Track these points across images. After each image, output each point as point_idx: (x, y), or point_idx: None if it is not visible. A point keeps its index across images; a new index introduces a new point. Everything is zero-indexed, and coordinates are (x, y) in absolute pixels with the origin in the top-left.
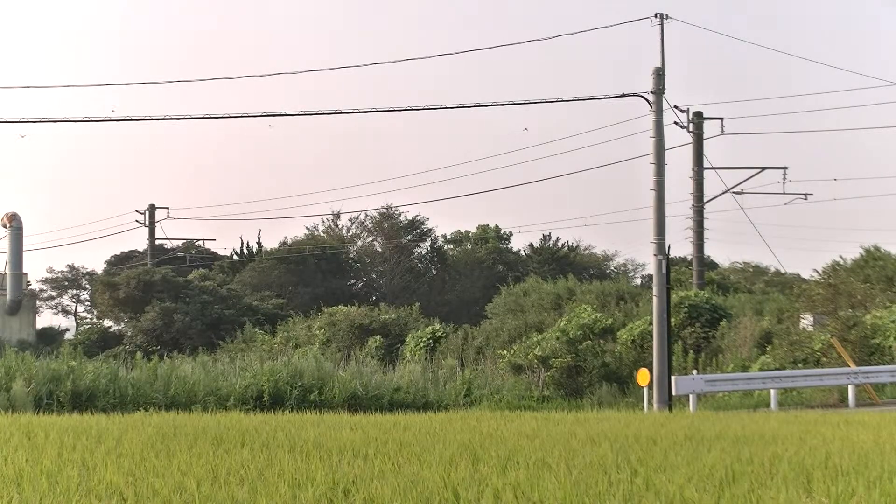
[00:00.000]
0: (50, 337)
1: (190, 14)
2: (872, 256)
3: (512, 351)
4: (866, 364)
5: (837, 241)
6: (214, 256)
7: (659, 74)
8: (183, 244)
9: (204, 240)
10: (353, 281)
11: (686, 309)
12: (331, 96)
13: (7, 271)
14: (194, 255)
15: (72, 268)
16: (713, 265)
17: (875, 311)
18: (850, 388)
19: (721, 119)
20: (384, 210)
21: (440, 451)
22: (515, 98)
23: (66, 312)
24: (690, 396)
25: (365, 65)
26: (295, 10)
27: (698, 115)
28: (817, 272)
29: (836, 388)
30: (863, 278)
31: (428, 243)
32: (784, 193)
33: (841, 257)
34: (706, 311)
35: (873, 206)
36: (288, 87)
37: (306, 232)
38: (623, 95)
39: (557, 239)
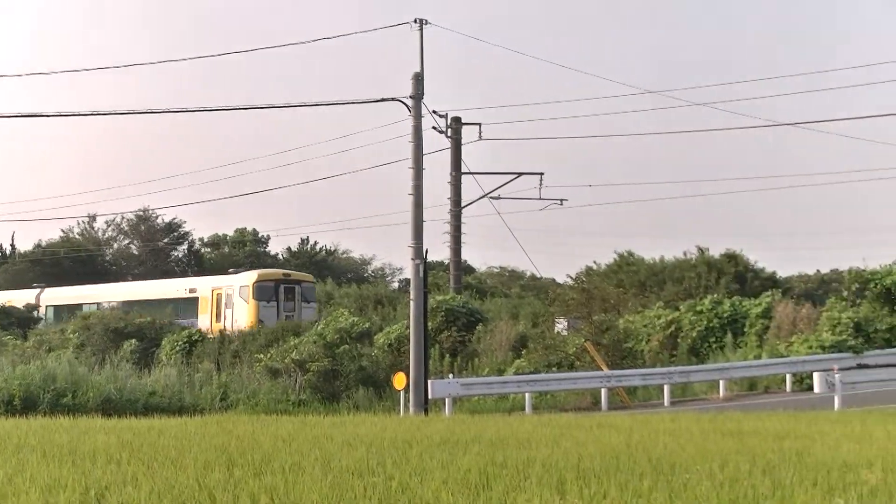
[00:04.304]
0: None
1: None
2: (626, 261)
3: (269, 355)
4: (619, 367)
5: (592, 246)
6: None
7: (418, 79)
8: None
9: None
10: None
11: (443, 313)
12: (92, 97)
13: None
14: None
15: None
16: (470, 269)
17: (628, 316)
18: (603, 392)
19: (479, 124)
20: (141, 213)
21: (195, 455)
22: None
23: None
24: (447, 400)
25: (126, 65)
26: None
27: (457, 120)
28: (571, 277)
29: (589, 392)
30: (616, 283)
31: (185, 246)
32: (540, 199)
33: (595, 262)
34: (463, 314)
35: (627, 212)
36: (47, 86)
37: (62, 234)
38: (382, 100)
39: (315, 243)
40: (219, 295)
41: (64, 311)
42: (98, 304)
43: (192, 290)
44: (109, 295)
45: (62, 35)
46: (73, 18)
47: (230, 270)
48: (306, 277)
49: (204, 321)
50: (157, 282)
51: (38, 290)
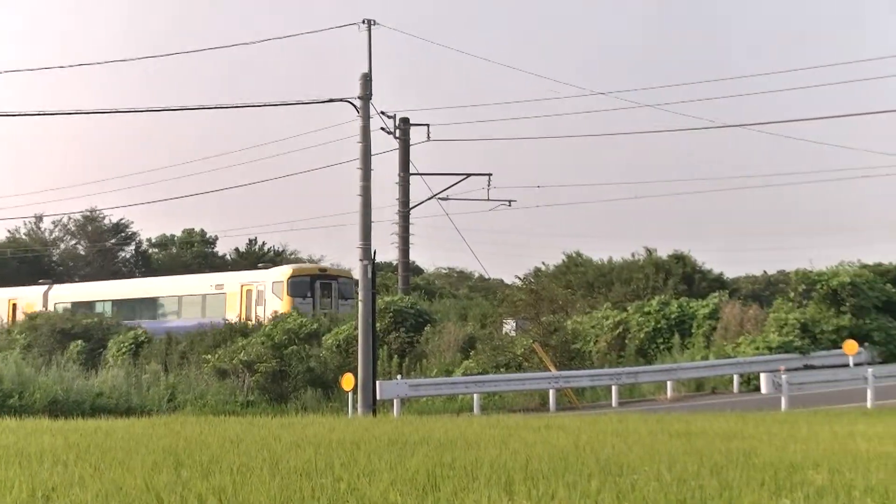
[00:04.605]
0: None
1: None
2: (574, 262)
3: (217, 355)
4: (567, 368)
5: (540, 247)
6: None
7: (366, 80)
8: None
9: None
10: None
11: (391, 314)
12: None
13: None
14: None
15: None
16: (419, 270)
17: (576, 317)
18: (551, 393)
19: (427, 125)
20: (88, 213)
21: (143, 457)
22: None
23: None
24: (395, 401)
25: (70, 66)
26: None
27: (405, 121)
28: (519, 278)
29: (537, 392)
30: (564, 284)
31: (132, 247)
32: (489, 200)
33: (543, 263)
34: (411, 315)
35: (576, 213)
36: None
37: (7, 234)
38: (331, 101)
39: (264, 243)
40: (248, 291)
41: (74, 311)
42: (113, 301)
43: (218, 287)
44: (124, 292)
45: None
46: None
47: (259, 265)
48: (344, 273)
49: (234, 318)
50: (179, 277)
51: (44, 287)
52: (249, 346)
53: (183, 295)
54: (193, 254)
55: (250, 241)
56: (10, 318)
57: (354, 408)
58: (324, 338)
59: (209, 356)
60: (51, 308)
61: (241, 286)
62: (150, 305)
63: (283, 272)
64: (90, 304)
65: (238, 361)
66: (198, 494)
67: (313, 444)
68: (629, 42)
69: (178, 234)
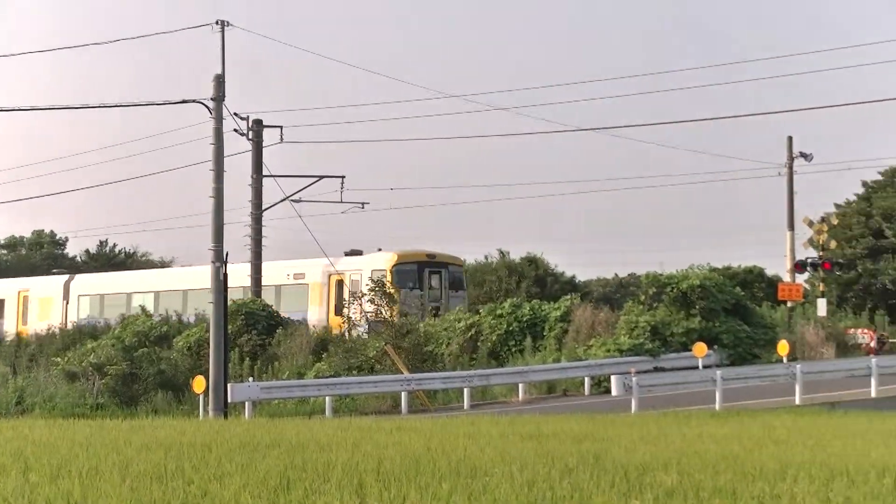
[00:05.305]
0: None
1: None
2: None
3: (66, 358)
4: (419, 371)
5: (394, 250)
6: None
7: (219, 81)
8: None
9: None
10: None
11: (243, 316)
12: None
13: None
14: None
15: None
16: None
17: (428, 320)
18: (404, 395)
19: (281, 127)
20: None
21: None
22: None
23: None
24: (247, 403)
25: None
26: None
27: (258, 122)
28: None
29: (390, 395)
30: None
31: None
32: (342, 202)
33: None
34: (263, 318)
35: (430, 215)
36: None
37: None
38: (183, 102)
39: (115, 245)
40: (339, 281)
41: (103, 304)
42: (155, 293)
43: (297, 276)
44: (169, 282)
45: None
46: None
47: (347, 251)
48: (454, 259)
49: (316, 314)
50: (246, 265)
51: (65, 278)
52: (99, 348)
53: (249, 286)
54: (43, 255)
55: (101, 242)
56: (21, 314)
57: (206, 410)
58: (175, 340)
59: (59, 358)
60: (73, 301)
61: (329, 276)
62: (202, 298)
63: (386, 258)
64: (118, 298)
65: (88, 364)
66: (46, 498)
67: (164, 446)
68: (484, 46)
69: (28, 235)
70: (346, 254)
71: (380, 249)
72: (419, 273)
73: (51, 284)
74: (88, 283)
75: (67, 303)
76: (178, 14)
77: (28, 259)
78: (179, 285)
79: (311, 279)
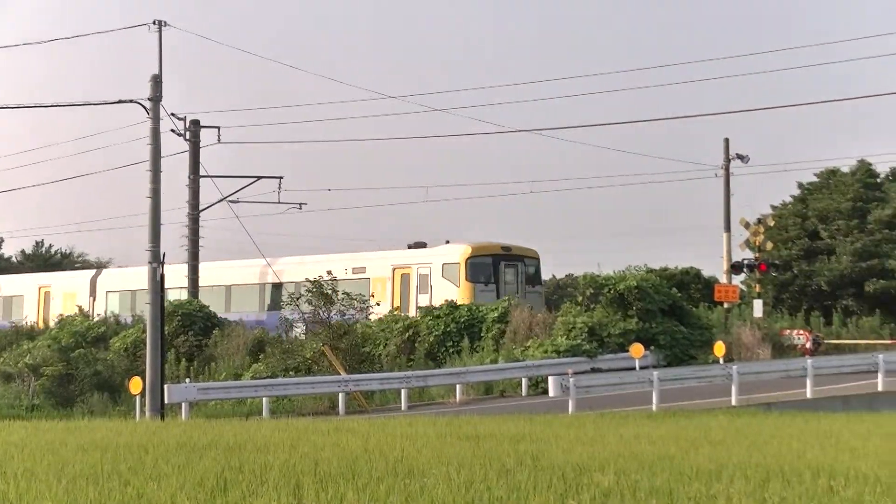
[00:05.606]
0: None
1: None
2: None
3: (2, 359)
4: (357, 372)
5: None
6: None
7: (157, 82)
8: None
9: None
10: None
11: (180, 317)
12: None
13: None
14: None
15: None
16: None
17: (365, 321)
18: (341, 396)
19: (218, 128)
20: None
21: None
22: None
23: None
24: (183, 405)
25: None
26: None
27: (195, 123)
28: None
29: (327, 396)
30: None
31: None
32: (280, 203)
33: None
34: (200, 319)
35: (368, 216)
36: None
37: None
38: (120, 102)
39: (51, 246)
40: (405, 276)
41: (134, 300)
42: (199, 289)
43: (357, 270)
44: (212, 278)
45: None
46: None
47: (411, 244)
48: (529, 252)
49: (377, 310)
50: (293, 259)
51: (91, 273)
52: (35, 349)
53: (301, 281)
54: None
55: (37, 242)
56: (42, 311)
57: (142, 411)
58: (112, 341)
59: None
60: (100, 297)
61: (394, 269)
62: (251, 294)
63: (459, 251)
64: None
65: (23, 365)
66: None
67: (100, 448)
68: (423, 46)
69: None
70: (410, 246)
71: (448, 241)
72: (494, 267)
73: (75, 280)
74: (117, 279)
75: (94, 299)
76: (133, 14)
77: None
78: (223, 280)
79: (373, 273)
